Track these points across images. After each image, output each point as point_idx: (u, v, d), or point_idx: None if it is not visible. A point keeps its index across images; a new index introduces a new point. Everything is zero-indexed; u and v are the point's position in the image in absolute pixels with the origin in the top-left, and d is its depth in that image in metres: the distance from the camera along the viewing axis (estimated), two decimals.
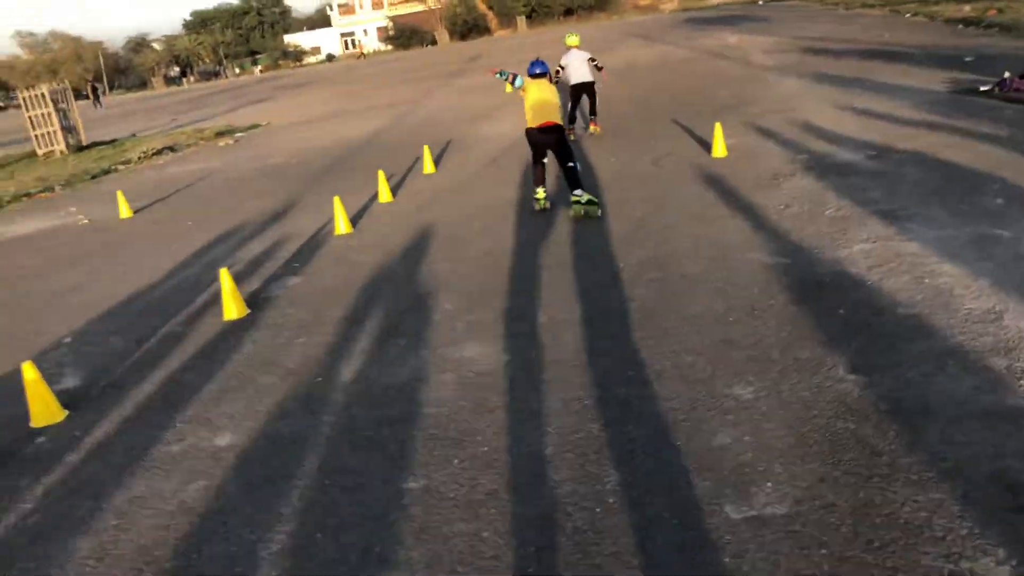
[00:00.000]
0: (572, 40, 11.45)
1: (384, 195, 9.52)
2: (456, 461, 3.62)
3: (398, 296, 6.02)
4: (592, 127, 11.82)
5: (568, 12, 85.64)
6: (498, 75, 8.56)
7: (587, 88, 11.14)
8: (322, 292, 6.40)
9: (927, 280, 4.82)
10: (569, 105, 11.26)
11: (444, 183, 10.05)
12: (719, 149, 9.03)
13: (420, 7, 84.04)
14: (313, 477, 3.66)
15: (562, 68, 11.17)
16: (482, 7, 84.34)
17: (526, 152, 8.00)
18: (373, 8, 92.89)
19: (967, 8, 21.72)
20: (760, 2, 55.63)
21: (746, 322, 4.63)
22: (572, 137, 10.88)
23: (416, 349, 4.95)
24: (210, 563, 3.16)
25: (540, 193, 7.88)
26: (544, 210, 7.83)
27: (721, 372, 4.08)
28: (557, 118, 7.54)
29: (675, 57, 23.03)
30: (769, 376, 3.97)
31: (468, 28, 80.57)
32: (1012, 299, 4.39)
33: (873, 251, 5.43)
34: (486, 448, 3.70)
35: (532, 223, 7.48)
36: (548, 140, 7.56)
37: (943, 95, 10.59)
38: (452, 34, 79.99)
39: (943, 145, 7.92)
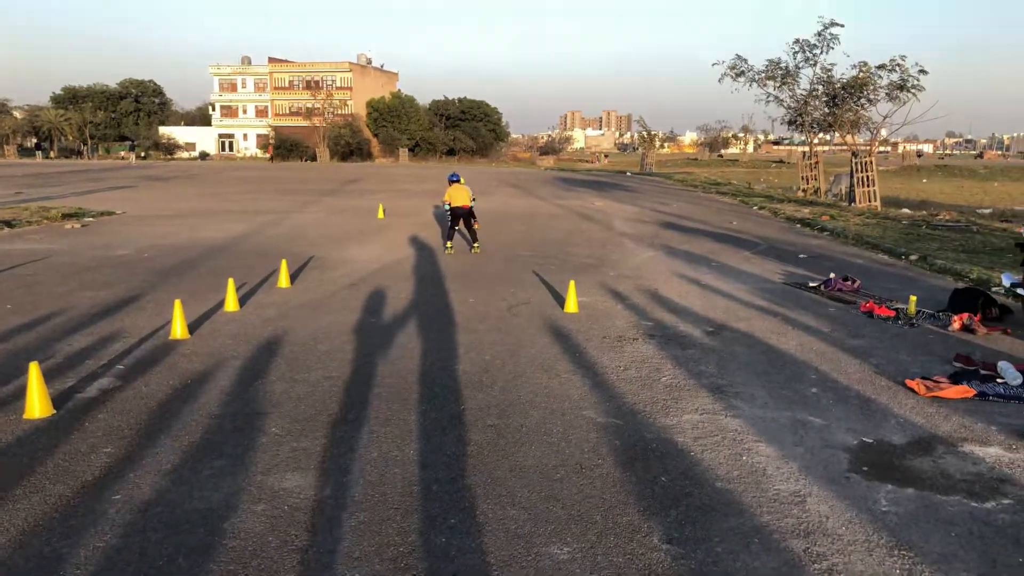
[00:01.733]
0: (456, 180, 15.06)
1: (231, 304, 9.20)
2: None
3: (224, 413, 5.70)
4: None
5: (450, 152, 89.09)
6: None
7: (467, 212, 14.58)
8: (143, 399, 5.97)
9: (744, 457, 5.08)
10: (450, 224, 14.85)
11: (297, 299, 9.85)
12: (571, 305, 9.40)
13: (305, 122, 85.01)
14: None
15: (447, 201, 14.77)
16: (367, 133, 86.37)
17: (385, 280, 8.07)
18: (257, 115, 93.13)
19: (806, 211, 24.29)
20: (628, 173, 60.13)
21: (573, 480, 4.67)
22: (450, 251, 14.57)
23: (232, 473, 4.66)
24: None
25: (449, 245, 14.58)
26: (450, 254, 14.05)
27: (542, 529, 4.05)
28: (469, 203, 14.40)
29: (544, 211, 24.20)
30: (587, 538, 3.98)
31: (350, 150, 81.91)
32: (816, 484, 4.67)
33: (700, 423, 5.69)
34: None
35: (381, 353, 7.40)
36: (462, 213, 14.39)
37: (778, 285, 11.59)
38: (333, 154, 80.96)
39: (772, 331, 8.58)
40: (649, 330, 8.54)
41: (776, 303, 10.15)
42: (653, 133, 79.16)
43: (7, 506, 4.18)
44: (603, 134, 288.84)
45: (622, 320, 9.01)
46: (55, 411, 5.62)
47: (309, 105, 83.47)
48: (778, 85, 34.55)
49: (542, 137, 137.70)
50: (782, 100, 34.75)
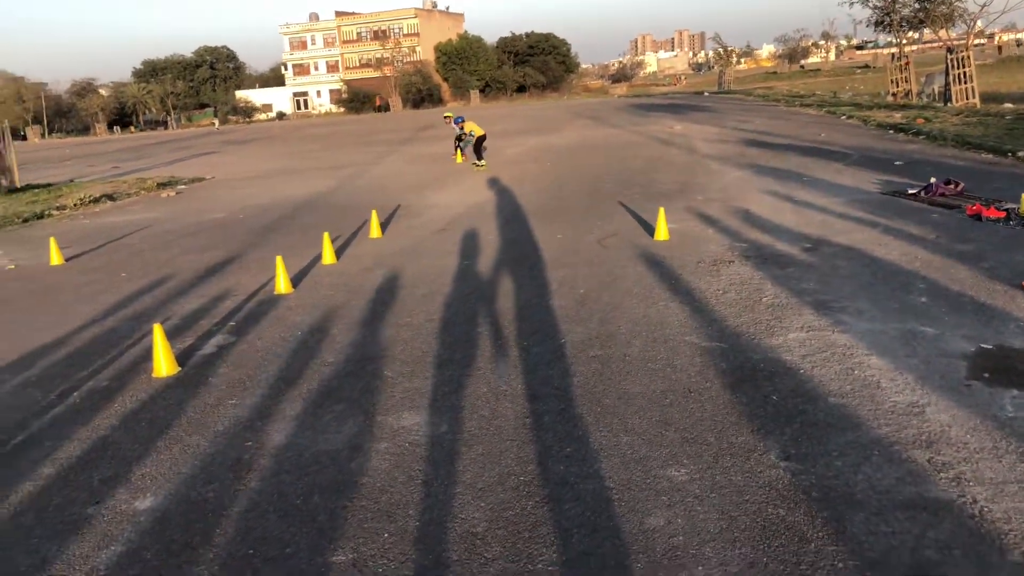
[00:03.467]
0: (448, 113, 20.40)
1: (328, 256, 9.47)
2: (386, 535, 3.54)
3: (337, 360, 5.93)
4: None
5: (520, 89, 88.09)
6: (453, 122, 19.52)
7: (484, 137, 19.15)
8: (258, 352, 6.27)
9: (856, 371, 4.98)
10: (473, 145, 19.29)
11: (390, 248, 10.06)
12: (662, 232, 9.28)
13: (375, 73, 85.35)
14: (237, 545, 3.52)
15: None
16: (437, 78, 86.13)
17: (472, 223, 8.17)
18: (328, 71, 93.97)
19: (898, 115, 23.06)
20: (705, 93, 58.23)
21: (682, 404, 4.69)
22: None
23: (352, 416, 4.87)
24: None
25: (483, 162, 18.78)
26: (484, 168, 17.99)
27: (657, 453, 4.10)
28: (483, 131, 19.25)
29: (621, 140, 23.77)
30: (703, 459, 4.01)
31: (421, 97, 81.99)
32: (934, 394, 4.55)
33: (807, 340, 5.59)
34: (418, 522, 3.62)
35: (477, 293, 7.52)
36: (483, 138, 19.10)
37: (874, 195, 11.13)
38: (405, 102, 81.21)
39: (873, 242, 8.29)
40: (744, 251, 8.38)
41: (875, 213, 9.76)
42: (730, 49, 76.17)
43: (152, 457, 4.50)
44: (676, 55, 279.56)
45: (715, 243, 8.86)
46: (180, 368, 5.96)
47: (378, 55, 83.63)
48: None
49: (613, 65, 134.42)
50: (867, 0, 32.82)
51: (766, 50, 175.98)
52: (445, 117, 20.29)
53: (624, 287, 7.35)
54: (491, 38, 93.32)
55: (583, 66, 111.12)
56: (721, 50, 73.50)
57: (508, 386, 5.15)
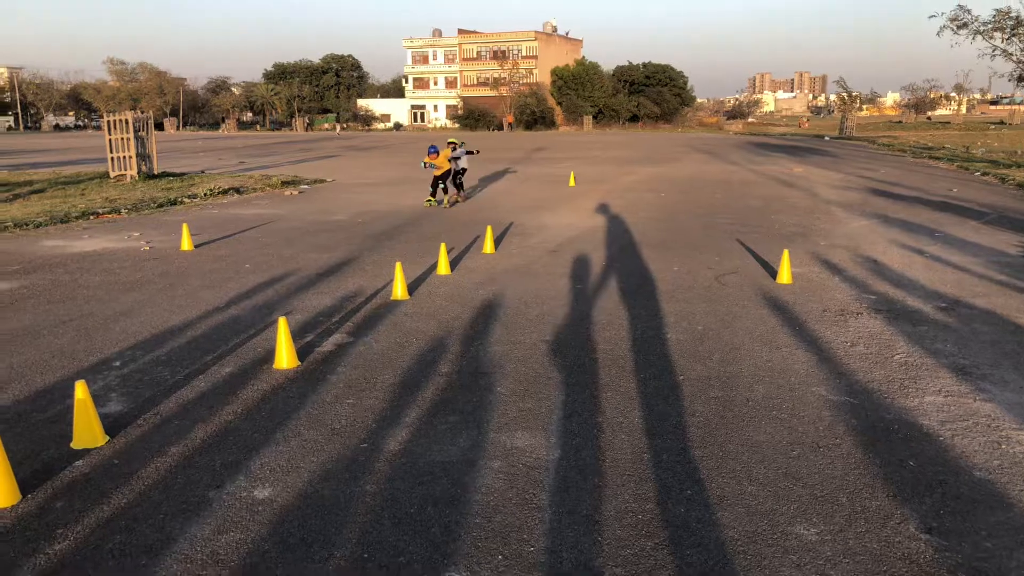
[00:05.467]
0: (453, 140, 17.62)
1: (443, 267, 9.56)
2: (500, 557, 3.46)
3: (451, 371, 5.94)
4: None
5: (633, 118, 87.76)
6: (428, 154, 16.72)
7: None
8: (374, 355, 6.34)
9: (1004, 446, 4.62)
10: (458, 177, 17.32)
11: (503, 265, 10.08)
12: (785, 275, 8.95)
13: (491, 92, 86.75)
14: (351, 547, 3.52)
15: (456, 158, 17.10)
16: (551, 101, 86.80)
17: (584, 247, 8.07)
18: (446, 87, 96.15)
19: None
20: (826, 137, 56.53)
21: (811, 459, 4.45)
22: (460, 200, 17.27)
23: (466, 429, 4.84)
24: None
25: (433, 199, 16.68)
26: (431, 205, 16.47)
27: (784, 508, 3.89)
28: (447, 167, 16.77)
29: (739, 177, 23.27)
30: (835, 520, 3.77)
31: (535, 119, 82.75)
32: None
33: (945, 405, 5.24)
34: (532, 548, 3.54)
35: (590, 319, 7.41)
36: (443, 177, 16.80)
37: (1016, 258, 10.45)
38: (518, 123, 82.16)
39: (1016, 309, 7.75)
40: (873, 304, 7.97)
41: (1018, 278, 9.14)
42: (854, 94, 73.83)
43: (272, 448, 4.58)
44: (795, 96, 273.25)
45: (841, 292, 8.47)
46: (299, 363, 6.09)
47: (496, 75, 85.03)
48: (1007, 37, 31.04)
49: (729, 101, 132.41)
50: (1011, 54, 31.18)
51: (891, 98, 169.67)
52: (449, 143, 17.29)
53: (745, 327, 7.10)
54: (608, 65, 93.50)
55: (698, 100, 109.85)
56: (845, 94, 71.14)
57: (624, 418, 5.02)
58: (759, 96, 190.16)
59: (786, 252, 9.28)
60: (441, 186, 16.77)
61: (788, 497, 4.00)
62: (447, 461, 4.40)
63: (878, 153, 37.24)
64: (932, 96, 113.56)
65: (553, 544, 3.57)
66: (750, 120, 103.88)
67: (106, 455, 4.48)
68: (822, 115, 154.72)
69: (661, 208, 16.08)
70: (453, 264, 9.99)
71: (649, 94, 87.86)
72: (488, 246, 11.08)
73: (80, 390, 4.60)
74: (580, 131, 78.42)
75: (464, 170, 17.38)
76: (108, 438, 4.68)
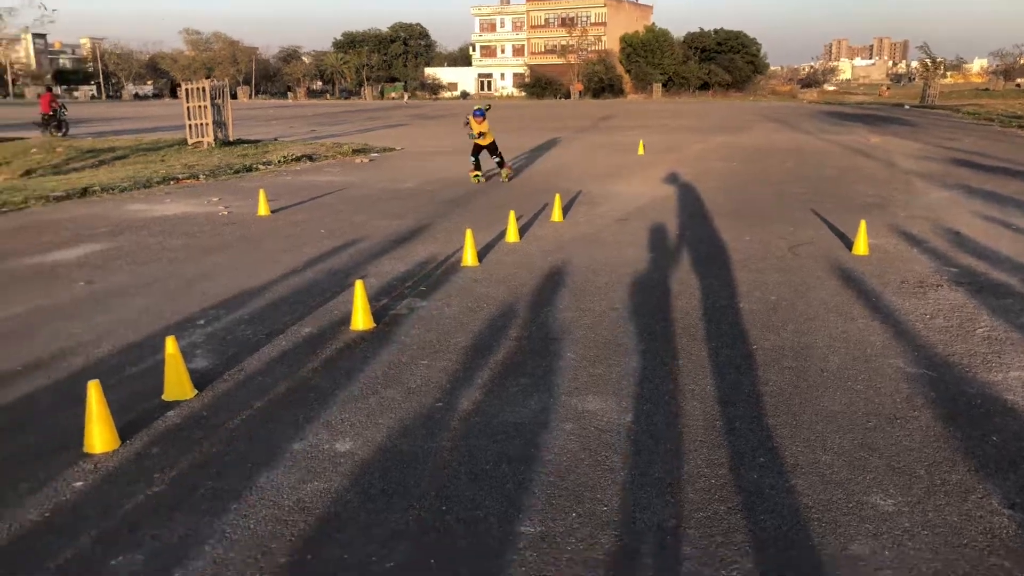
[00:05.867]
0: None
1: (511, 235, 9.62)
2: (574, 515, 3.53)
3: (521, 336, 6.01)
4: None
5: (704, 86, 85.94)
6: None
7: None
8: (446, 319, 6.46)
9: None
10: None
11: (571, 233, 10.08)
12: (861, 246, 8.74)
13: (559, 60, 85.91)
14: (430, 500, 3.64)
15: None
16: (620, 69, 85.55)
17: (654, 215, 8.05)
18: (514, 55, 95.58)
19: None
20: (906, 106, 54.39)
21: (887, 431, 4.38)
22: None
23: (537, 392, 4.91)
24: (324, 567, 3.16)
25: (479, 172, 15.20)
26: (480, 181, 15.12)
27: (860, 477, 3.86)
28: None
29: (812, 147, 22.64)
30: (913, 492, 3.72)
31: (602, 87, 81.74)
32: None
33: None
34: (605, 507, 3.60)
35: (660, 288, 7.38)
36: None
37: None
38: (586, 91, 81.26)
39: None
40: (954, 276, 7.73)
41: None
42: (937, 60, 70.59)
43: (351, 404, 4.74)
44: (873, 64, 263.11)
45: (920, 264, 8.23)
46: (375, 325, 6.24)
47: (564, 43, 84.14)
48: None
49: (804, 68, 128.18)
50: None
51: (977, 64, 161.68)
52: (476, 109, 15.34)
53: (819, 298, 6.97)
54: (678, 32, 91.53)
55: (772, 67, 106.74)
56: (927, 61, 68.04)
57: (696, 385, 5.02)
58: (835, 63, 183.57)
59: (863, 223, 9.04)
60: (496, 159, 15.38)
61: (864, 467, 3.96)
62: (519, 422, 4.48)
63: (962, 122, 35.70)
64: (1023, 62, 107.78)
65: (626, 504, 3.62)
66: (826, 88, 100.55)
67: (195, 407, 4.71)
68: (902, 83, 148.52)
69: (732, 177, 15.79)
70: (522, 232, 10.03)
71: (720, 61, 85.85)
72: (556, 214, 11.08)
73: (171, 345, 4.82)
74: (648, 99, 77.16)
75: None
76: (196, 391, 4.90)
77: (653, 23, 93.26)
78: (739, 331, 6.11)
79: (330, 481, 3.82)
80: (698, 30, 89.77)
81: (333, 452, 4.13)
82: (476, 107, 15.56)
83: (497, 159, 15.66)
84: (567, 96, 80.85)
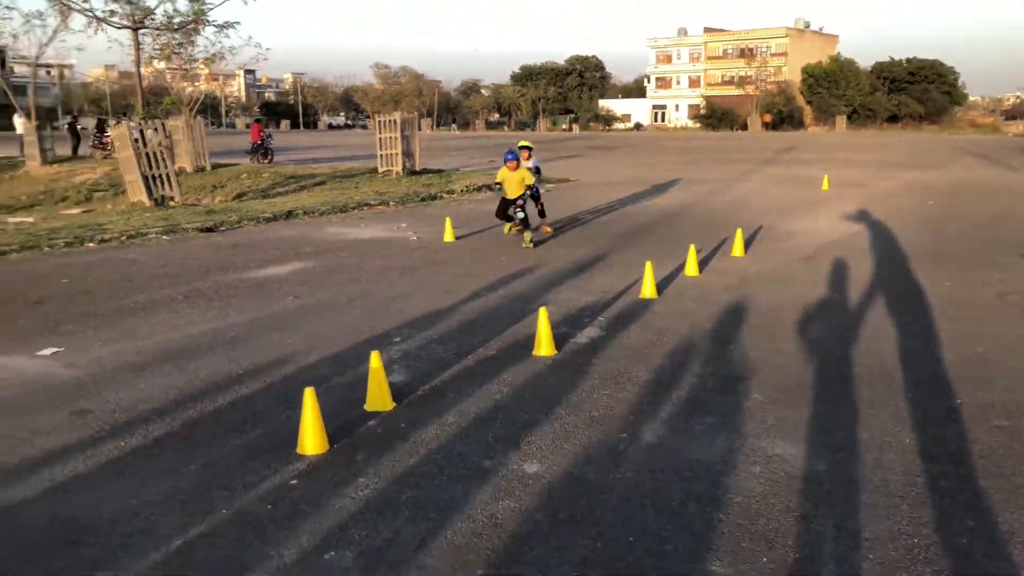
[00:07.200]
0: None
1: (691, 268, 9.54)
2: (765, 559, 3.47)
3: (704, 373, 5.96)
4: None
5: (893, 118, 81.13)
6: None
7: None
8: (626, 350, 6.51)
9: None
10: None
11: (754, 269, 9.85)
12: None
13: (736, 90, 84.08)
14: (618, 530, 3.69)
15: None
16: (800, 100, 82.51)
17: (841, 254, 7.71)
18: (689, 86, 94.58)
19: None
20: None
21: None
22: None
23: (723, 431, 4.85)
24: None
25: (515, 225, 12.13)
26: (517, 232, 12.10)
27: None
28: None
29: (1021, 185, 20.78)
30: None
31: (782, 119, 79.11)
32: None
33: None
34: (797, 556, 3.50)
35: (852, 332, 7.06)
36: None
37: None
38: (762, 123, 78.93)
39: None
40: None
41: None
42: None
43: (537, 428, 4.89)
44: None
45: None
46: (556, 352, 6.40)
47: (742, 73, 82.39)
48: None
49: (1008, 99, 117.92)
50: None
51: None
52: (522, 147, 12.59)
53: None
54: (865, 61, 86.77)
55: (971, 98, 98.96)
56: None
57: (893, 438, 4.76)
58: None
59: None
60: (520, 213, 11.79)
61: None
62: (706, 460, 4.45)
63: None
64: None
65: (819, 556, 3.51)
66: None
67: (394, 419, 5.03)
68: None
69: (927, 217, 14.81)
70: (701, 265, 9.92)
71: (912, 92, 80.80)
72: (737, 249, 10.87)
73: (375, 359, 5.19)
74: (831, 131, 73.80)
75: (537, 189, 12.62)
76: (395, 404, 5.24)
77: (838, 53, 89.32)
78: (941, 383, 5.73)
79: (520, 500, 3.97)
80: (888, 59, 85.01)
81: (522, 473, 4.28)
82: (520, 144, 12.64)
83: (539, 207, 12.79)
84: (744, 128, 78.86)
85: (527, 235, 11.67)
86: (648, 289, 8.39)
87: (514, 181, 11.72)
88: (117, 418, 5.07)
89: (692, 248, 9.83)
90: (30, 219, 16.49)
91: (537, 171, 12.77)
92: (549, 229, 12.68)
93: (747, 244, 11.47)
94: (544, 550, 3.52)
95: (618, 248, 11.45)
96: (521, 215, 11.74)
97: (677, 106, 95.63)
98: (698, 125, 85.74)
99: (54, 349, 6.54)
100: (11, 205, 20.83)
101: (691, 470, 4.33)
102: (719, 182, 22.13)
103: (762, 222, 13.97)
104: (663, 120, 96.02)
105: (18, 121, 30.92)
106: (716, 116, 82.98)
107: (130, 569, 3.39)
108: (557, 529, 3.71)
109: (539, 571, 3.36)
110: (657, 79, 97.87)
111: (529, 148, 12.57)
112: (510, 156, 11.83)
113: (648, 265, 8.59)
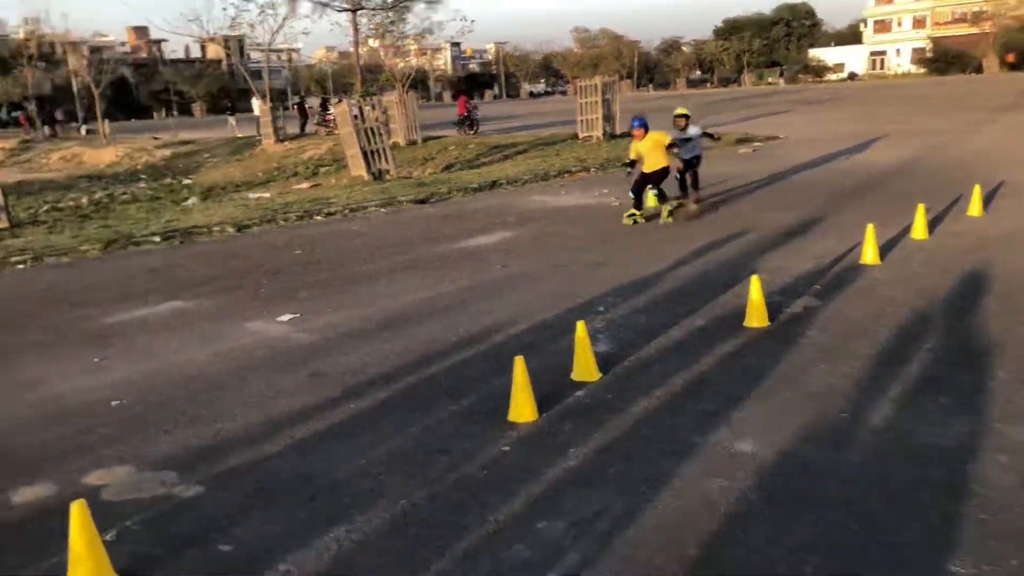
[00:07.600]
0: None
1: (919, 230, 8.73)
2: (1015, 562, 3.13)
3: (936, 347, 5.45)
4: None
5: None
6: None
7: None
8: (846, 321, 6.09)
9: None
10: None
11: (994, 230, 8.84)
12: None
13: (970, 29, 75.32)
14: (839, 516, 3.48)
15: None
16: None
17: None
18: (913, 27, 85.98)
19: None
20: None
21: None
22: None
23: (961, 413, 4.42)
24: (731, 565, 3.21)
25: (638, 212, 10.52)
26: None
27: None
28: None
29: None
30: None
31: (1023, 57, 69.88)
32: None
33: None
34: None
35: None
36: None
37: None
38: (1003, 63, 70.18)
39: None
40: None
41: None
42: None
43: (748, 403, 4.71)
44: None
45: None
46: (770, 323, 6.11)
47: (975, 9, 73.68)
48: None
49: None
50: None
51: None
52: (679, 115, 11.27)
53: None
54: None
55: None
56: None
57: None
58: None
59: None
60: (653, 191, 10.70)
61: None
62: (941, 445, 4.07)
63: None
64: None
65: None
66: None
67: (600, 389, 5.05)
68: None
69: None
70: (931, 227, 9.04)
71: None
72: (974, 207, 9.79)
73: (580, 329, 5.23)
74: None
75: (699, 158, 11.28)
76: (601, 374, 5.26)
77: None
78: None
79: (733, 480, 3.85)
80: None
81: (734, 451, 4.15)
82: (677, 113, 11.45)
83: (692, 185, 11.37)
84: (978, 70, 70.59)
85: (665, 208, 10.63)
86: (870, 254, 7.78)
87: (651, 150, 10.30)
88: (347, 380, 5.49)
89: (920, 207, 8.97)
90: (267, 194, 18.21)
91: (707, 135, 11.62)
92: (696, 207, 11.13)
93: (986, 202, 10.29)
94: (758, 534, 3.39)
95: (834, 210, 10.70)
96: (654, 192, 10.63)
97: (899, 51, 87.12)
98: (923, 71, 77.77)
99: (291, 315, 7.18)
100: (251, 181, 23.14)
101: (924, 455, 3.99)
102: (948, 133, 20.00)
103: (1004, 176, 12.47)
104: (882, 68, 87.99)
105: (255, 103, 34.08)
106: (944, 59, 74.79)
107: (363, 527, 3.66)
108: (773, 510, 3.56)
109: (753, 554, 3.25)
110: (875, 22, 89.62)
111: (687, 116, 11.26)
112: (637, 123, 10.44)
113: (869, 228, 7.95)
